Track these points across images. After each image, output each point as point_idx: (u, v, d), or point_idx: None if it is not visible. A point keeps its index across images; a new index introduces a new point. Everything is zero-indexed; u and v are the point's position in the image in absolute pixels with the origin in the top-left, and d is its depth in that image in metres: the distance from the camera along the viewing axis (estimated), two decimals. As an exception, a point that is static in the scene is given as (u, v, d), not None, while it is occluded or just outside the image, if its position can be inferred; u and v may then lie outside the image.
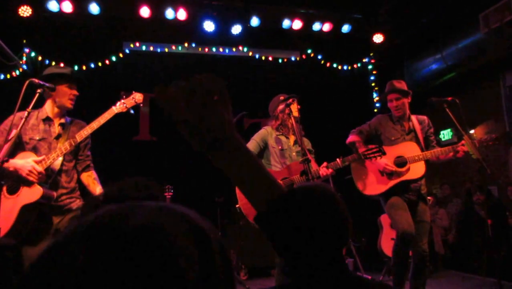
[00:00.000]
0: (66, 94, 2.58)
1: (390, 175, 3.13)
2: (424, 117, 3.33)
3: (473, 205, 5.66)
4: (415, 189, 3.12)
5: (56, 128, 2.60)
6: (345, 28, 6.03)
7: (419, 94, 4.28)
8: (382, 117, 3.36)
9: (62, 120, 2.64)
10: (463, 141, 3.01)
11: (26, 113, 2.37)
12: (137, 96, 2.66)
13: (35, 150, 2.48)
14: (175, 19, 5.40)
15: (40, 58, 5.26)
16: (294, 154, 3.10)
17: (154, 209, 0.38)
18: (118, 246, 0.33)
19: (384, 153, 2.95)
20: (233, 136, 0.69)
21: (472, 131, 5.83)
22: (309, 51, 6.41)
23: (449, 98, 3.21)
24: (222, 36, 5.78)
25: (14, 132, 2.37)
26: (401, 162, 3.12)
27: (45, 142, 2.53)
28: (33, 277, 0.33)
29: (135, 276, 0.32)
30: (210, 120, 0.65)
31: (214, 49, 5.99)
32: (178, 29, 5.65)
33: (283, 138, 3.13)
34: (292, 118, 2.84)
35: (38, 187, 2.37)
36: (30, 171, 2.33)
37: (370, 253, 5.38)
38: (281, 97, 3.09)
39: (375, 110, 6.61)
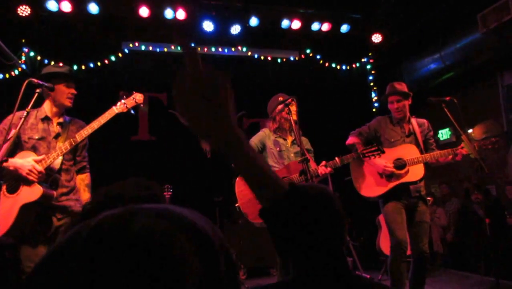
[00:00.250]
0: (64, 93, 2.59)
1: (389, 177, 3.14)
2: (424, 121, 3.34)
3: (472, 204, 5.67)
4: (415, 191, 3.14)
5: (55, 128, 2.61)
6: (344, 28, 6.03)
7: (418, 93, 4.29)
8: (381, 119, 3.37)
9: (61, 120, 2.64)
10: (462, 144, 3.02)
11: (25, 112, 2.38)
12: (138, 97, 2.66)
13: (34, 149, 2.49)
14: (174, 19, 5.41)
15: (39, 58, 5.26)
16: (292, 154, 3.12)
17: (155, 213, 0.38)
18: (119, 252, 0.33)
19: (383, 152, 2.97)
20: (236, 141, 0.72)
21: (470, 131, 5.86)
22: (308, 51, 6.42)
23: (448, 98, 3.22)
24: (221, 36, 5.78)
25: (13, 131, 2.37)
26: (400, 164, 3.13)
27: (44, 142, 2.54)
28: (35, 281, 0.34)
29: (136, 281, 0.32)
30: (215, 131, 0.69)
31: (213, 49, 6.00)
32: (177, 29, 5.65)
33: (281, 140, 3.15)
34: (291, 118, 2.85)
35: (38, 186, 2.37)
36: (30, 170, 2.33)
37: (368, 252, 5.40)
38: (280, 98, 3.11)
39: (374, 110, 6.62)
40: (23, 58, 5.15)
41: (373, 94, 6.75)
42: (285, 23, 5.79)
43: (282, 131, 3.17)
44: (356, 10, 5.98)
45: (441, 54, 5.51)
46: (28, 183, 2.36)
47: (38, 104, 2.57)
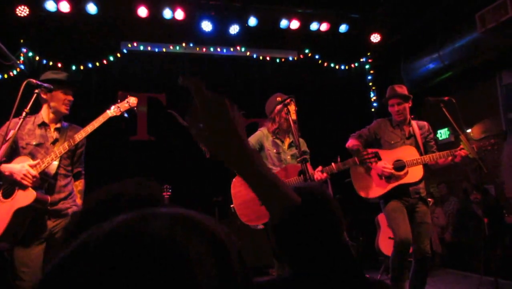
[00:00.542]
0: (61, 100, 2.58)
1: (389, 178, 3.15)
2: (425, 123, 3.36)
3: (470, 204, 5.68)
4: (414, 192, 3.14)
5: (52, 133, 2.60)
6: (343, 28, 6.04)
7: (417, 93, 4.29)
8: (381, 122, 3.39)
9: (58, 125, 2.64)
10: (461, 146, 3.03)
11: (24, 113, 2.38)
12: (131, 100, 2.67)
13: (32, 155, 2.48)
14: (173, 19, 5.40)
15: (37, 58, 5.25)
16: (288, 157, 3.10)
17: (169, 218, 0.38)
18: (135, 257, 0.33)
19: (379, 158, 2.97)
20: (246, 159, 0.77)
21: (469, 130, 5.87)
22: (306, 51, 6.42)
23: (446, 98, 3.23)
24: (220, 36, 5.78)
25: (12, 132, 2.37)
26: (399, 166, 3.14)
27: (41, 148, 2.53)
28: (50, 286, 0.34)
29: (152, 285, 0.32)
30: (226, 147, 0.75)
31: (212, 49, 6.00)
32: (176, 29, 5.65)
33: (278, 142, 3.14)
34: (290, 119, 2.83)
35: (32, 190, 2.36)
36: (24, 175, 2.32)
37: (368, 251, 5.40)
38: (278, 98, 3.09)
39: (372, 109, 6.63)
40: (22, 58, 5.15)
41: (371, 94, 6.75)
42: (283, 23, 5.80)
43: (280, 132, 3.14)
44: (354, 10, 5.99)
45: (440, 54, 5.52)
46: (23, 187, 2.36)
47: (36, 108, 2.57)
